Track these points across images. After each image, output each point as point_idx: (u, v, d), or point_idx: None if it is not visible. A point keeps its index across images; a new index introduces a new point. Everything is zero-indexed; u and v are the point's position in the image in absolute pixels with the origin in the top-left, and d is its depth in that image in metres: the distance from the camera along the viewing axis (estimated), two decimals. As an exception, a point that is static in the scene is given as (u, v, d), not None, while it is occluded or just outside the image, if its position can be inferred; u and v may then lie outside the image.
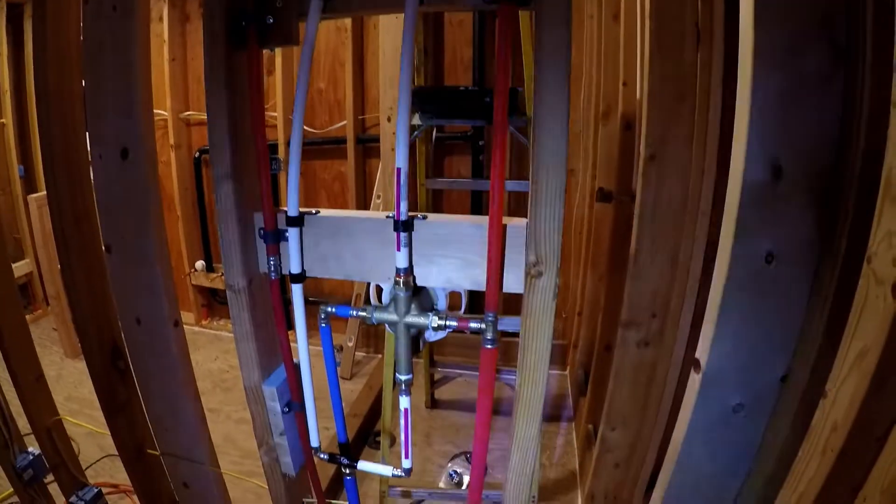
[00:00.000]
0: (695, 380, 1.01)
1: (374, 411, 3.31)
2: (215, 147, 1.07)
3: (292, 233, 1.10)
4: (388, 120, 3.15)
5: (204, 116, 3.98)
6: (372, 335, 4.21)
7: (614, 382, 1.83)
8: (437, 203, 3.75)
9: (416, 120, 2.23)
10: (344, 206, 3.99)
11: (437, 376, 3.54)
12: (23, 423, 1.92)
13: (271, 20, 1.05)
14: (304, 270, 1.15)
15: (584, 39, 3.16)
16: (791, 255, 0.90)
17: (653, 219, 1.61)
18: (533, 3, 0.91)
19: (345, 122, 3.78)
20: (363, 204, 3.90)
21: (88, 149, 1.28)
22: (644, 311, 1.71)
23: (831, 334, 0.87)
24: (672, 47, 1.51)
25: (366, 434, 3.23)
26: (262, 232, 1.13)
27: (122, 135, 1.21)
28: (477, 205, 3.68)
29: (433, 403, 3.52)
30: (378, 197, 3.52)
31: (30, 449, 1.96)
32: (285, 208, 1.10)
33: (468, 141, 3.61)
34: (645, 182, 1.60)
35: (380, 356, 4.10)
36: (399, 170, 0.98)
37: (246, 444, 3.17)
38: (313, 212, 1.12)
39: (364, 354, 4.17)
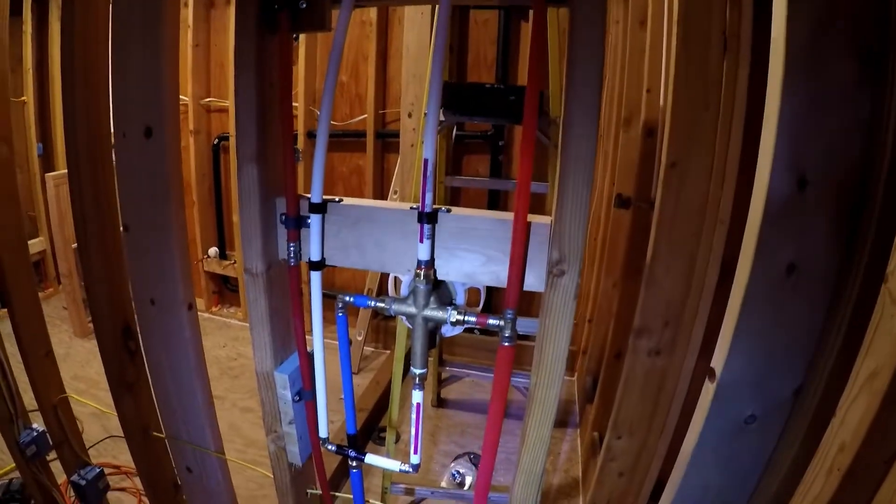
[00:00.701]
0: (708, 389, 0.99)
1: (381, 406, 3.31)
2: (241, 129, 1.07)
3: (314, 219, 1.09)
4: (409, 116, 3.15)
5: (224, 103, 4.02)
6: (381, 331, 4.21)
7: (623, 390, 1.82)
8: (455, 202, 3.73)
9: (441, 116, 2.22)
10: (360, 200, 4.00)
11: (444, 375, 3.55)
12: (28, 399, 1.93)
13: (304, 5, 1.05)
14: (324, 258, 1.14)
15: (609, 45, 3.15)
16: (812, 268, 0.89)
17: (671, 226, 1.60)
18: (568, 1, 0.90)
19: (365, 116, 3.78)
20: (380, 198, 3.89)
21: (111, 129, 1.28)
22: (657, 320, 1.70)
23: (847, 351, 0.86)
24: (699, 54, 1.50)
25: (370, 429, 3.23)
26: (283, 217, 1.12)
27: (146, 113, 1.20)
28: (494, 205, 3.68)
29: (440, 402, 3.52)
30: (395, 192, 3.53)
31: (34, 425, 1.96)
32: (308, 195, 1.10)
33: (488, 140, 3.61)
34: (665, 189, 1.59)
35: (388, 352, 4.11)
36: (426, 161, 0.97)
37: (250, 433, 3.18)
38: (336, 200, 1.11)
39: (372, 350, 4.18)
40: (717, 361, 0.97)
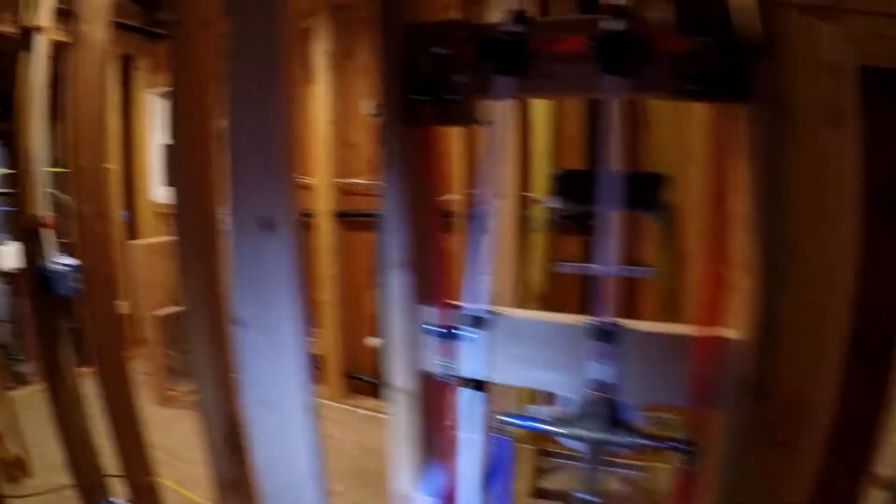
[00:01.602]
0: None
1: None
2: (388, 231, 1.00)
3: (473, 336, 0.99)
4: (501, 198, 3.11)
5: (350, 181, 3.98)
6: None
7: None
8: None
9: (556, 202, 2.24)
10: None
11: (545, 465, 3.33)
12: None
13: (451, 98, 0.98)
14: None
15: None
16: None
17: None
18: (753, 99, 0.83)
19: (455, 197, 3.70)
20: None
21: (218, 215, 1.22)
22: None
23: None
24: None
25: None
26: (434, 330, 1.03)
27: (266, 205, 1.13)
28: (587, 288, 3.51)
29: (538, 493, 3.28)
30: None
31: (111, 499, 2.05)
32: (458, 303, 1.00)
33: (575, 220, 3.47)
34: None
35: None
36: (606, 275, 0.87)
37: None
38: (495, 312, 1.01)
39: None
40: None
